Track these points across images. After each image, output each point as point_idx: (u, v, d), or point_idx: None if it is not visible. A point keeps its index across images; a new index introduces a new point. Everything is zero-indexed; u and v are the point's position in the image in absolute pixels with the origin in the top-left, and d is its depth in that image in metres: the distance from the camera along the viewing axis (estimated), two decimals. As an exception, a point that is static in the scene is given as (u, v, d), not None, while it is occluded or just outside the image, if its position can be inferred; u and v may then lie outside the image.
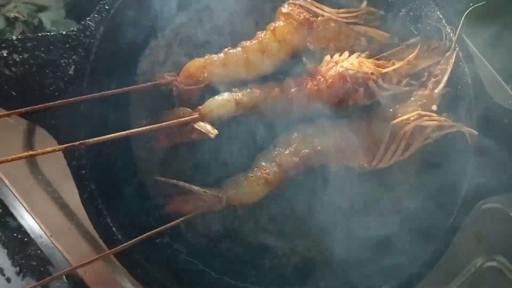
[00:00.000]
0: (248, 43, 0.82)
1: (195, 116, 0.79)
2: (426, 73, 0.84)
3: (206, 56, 0.82)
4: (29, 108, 0.74)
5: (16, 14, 1.10)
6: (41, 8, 1.12)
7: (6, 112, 0.73)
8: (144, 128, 0.79)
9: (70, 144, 0.75)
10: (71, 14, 1.13)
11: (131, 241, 0.73)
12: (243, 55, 0.81)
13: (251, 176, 0.80)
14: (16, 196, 0.94)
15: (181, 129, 0.82)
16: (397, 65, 0.82)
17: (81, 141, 0.75)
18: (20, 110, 0.74)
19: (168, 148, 0.86)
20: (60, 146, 0.75)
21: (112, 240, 0.77)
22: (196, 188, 0.79)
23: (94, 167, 0.79)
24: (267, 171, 0.80)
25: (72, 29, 0.79)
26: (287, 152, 0.81)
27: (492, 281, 0.97)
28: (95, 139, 0.75)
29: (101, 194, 0.77)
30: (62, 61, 0.78)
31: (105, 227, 0.77)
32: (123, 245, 0.73)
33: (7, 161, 0.73)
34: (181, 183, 0.79)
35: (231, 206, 0.80)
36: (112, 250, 0.73)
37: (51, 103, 0.75)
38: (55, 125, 0.77)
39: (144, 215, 0.84)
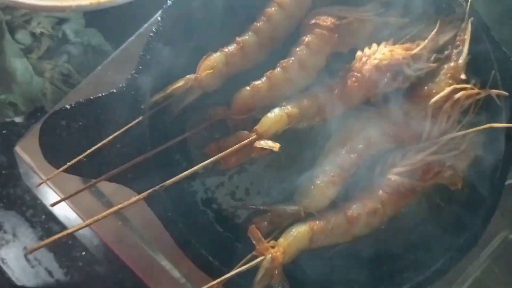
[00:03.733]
0: (286, 62, 0.86)
1: (254, 136, 0.85)
2: (449, 47, 0.91)
3: (251, 84, 0.86)
4: (111, 173, 0.78)
5: (42, 30, 1.14)
6: (62, 21, 1.17)
7: (95, 181, 0.78)
8: (212, 159, 0.84)
9: (152, 189, 0.80)
10: (90, 23, 1.19)
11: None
12: (285, 75, 0.86)
13: (319, 183, 0.85)
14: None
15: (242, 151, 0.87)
16: (422, 44, 0.88)
17: (161, 185, 0.80)
18: (105, 176, 0.78)
19: (233, 171, 0.91)
20: (143, 194, 0.80)
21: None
22: (276, 207, 0.84)
23: (174, 207, 0.84)
24: (332, 174, 0.86)
25: (120, 85, 0.82)
26: (343, 151, 0.87)
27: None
28: (172, 179, 0.81)
29: (189, 230, 0.83)
30: (120, 118, 0.82)
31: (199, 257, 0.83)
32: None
33: (98, 219, 0.79)
34: (261, 207, 0.85)
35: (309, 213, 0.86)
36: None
37: (130, 162, 0.79)
38: (131, 178, 0.81)
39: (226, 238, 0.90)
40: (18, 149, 0.97)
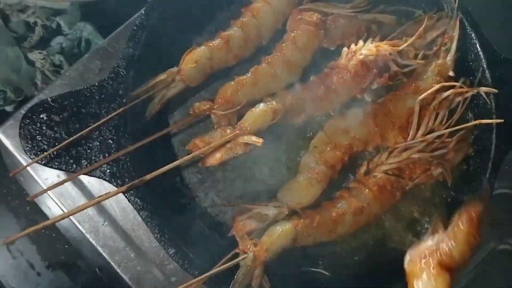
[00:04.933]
0: (272, 57, 0.86)
1: (237, 132, 0.83)
2: (437, 44, 0.90)
3: (236, 79, 0.85)
4: (92, 167, 0.77)
5: (36, 19, 1.14)
6: (58, 12, 1.17)
7: (74, 175, 0.77)
8: (193, 154, 0.83)
9: (131, 183, 0.79)
10: (86, 17, 1.20)
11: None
12: (270, 70, 0.85)
13: (303, 180, 0.84)
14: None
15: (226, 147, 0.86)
16: (409, 41, 0.87)
17: (140, 179, 0.79)
18: (85, 169, 0.77)
19: (216, 167, 0.89)
20: (122, 188, 0.79)
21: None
22: (258, 205, 0.83)
23: (155, 202, 0.82)
24: (316, 171, 0.84)
25: (103, 78, 0.82)
26: (328, 149, 0.85)
27: (505, 263, 1.00)
28: (151, 174, 0.79)
29: (171, 228, 0.81)
30: (102, 111, 0.81)
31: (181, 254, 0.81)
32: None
33: (78, 211, 0.78)
34: (242, 205, 0.83)
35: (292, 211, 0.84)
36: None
37: (110, 157, 0.78)
38: (111, 173, 0.80)
39: (210, 235, 0.88)
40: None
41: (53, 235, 0.97)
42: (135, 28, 0.82)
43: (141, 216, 0.81)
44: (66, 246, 0.96)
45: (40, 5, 1.18)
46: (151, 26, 0.83)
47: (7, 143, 0.95)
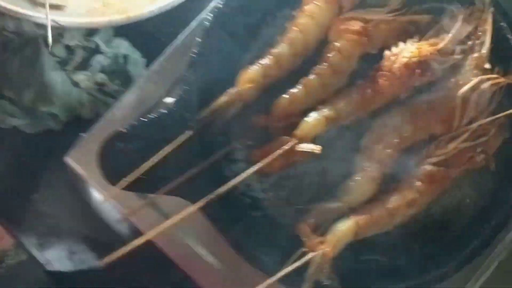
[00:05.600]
0: (320, 68, 0.91)
1: (295, 141, 0.90)
2: (472, 38, 0.95)
3: (289, 92, 0.90)
4: (169, 186, 0.85)
5: (76, 42, 1.18)
6: (93, 32, 1.20)
7: (155, 195, 0.85)
8: (258, 164, 0.90)
9: (208, 198, 0.86)
10: (118, 32, 1.24)
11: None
12: (320, 81, 0.90)
13: (360, 179, 0.91)
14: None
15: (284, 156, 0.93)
16: (447, 39, 0.92)
17: (215, 193, 0.87)
18: (164, 190, 0.85)
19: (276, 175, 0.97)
20: (200, 202, 0.86)
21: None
22: (320, 205, 0.91)
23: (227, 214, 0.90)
24: (370, 169, 0.91)
25: (170, 102, 0.88)
26: (380, 147, 0.92)
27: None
28: (224, 187, 0.87)
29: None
30: (171, 136, 0.87)
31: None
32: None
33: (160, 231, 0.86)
34: (310, 206, 0.91)
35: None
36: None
37: (185, 175, 0.85)
38: (186, 190, 0.88)
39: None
40: (69, 160, 1.00)
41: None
42: (193, 56, 0.87)
43: (217, 229, 0.89)
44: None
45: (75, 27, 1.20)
46: (210, 50, 0.89)
47: (74, 165, 1.01)
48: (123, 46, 1.24)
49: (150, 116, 0.87)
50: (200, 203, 0.87)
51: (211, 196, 0.87)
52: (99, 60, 1.24)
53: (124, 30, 1.24)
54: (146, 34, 1.23)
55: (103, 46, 1.24)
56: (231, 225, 0.90)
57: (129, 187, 0.87)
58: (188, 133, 0.87)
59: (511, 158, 0.97)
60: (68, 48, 1.22)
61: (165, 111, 0.87)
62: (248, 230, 0.93)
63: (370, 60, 0.96)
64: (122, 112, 1.01)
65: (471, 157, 0.94)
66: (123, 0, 1.15)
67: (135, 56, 1.26)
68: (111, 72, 1.24)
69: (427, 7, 0.98)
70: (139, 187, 0.87)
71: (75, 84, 1.22)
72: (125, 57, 1.25)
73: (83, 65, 1.23)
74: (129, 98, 1.01)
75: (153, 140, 0.87)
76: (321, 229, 0.92)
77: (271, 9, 0.97)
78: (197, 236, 0.97)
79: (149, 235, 0.86)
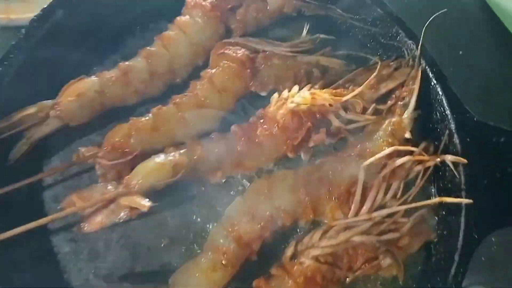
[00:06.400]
0: (181, 97, 0.68)
1: (119, 190, 0.63)
2: (393, 97, 0.72)
3: (131, 120, 0.67)
4: None
5: None
6: None
7: None
8: (57, 214, 0.62)
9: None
10: None
11: None
12: (176, 113, 0.67)
13: (204, 261, 0.62)
14: None
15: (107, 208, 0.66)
16: (356, 90, 0.69)
17: None
18: None
19: (98, 235, 0.68)
20: None
21: None
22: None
23: (4, 273, 0.61)
24: (224, 249, 0.63)
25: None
26: (244, 220, 0.65)
27: None
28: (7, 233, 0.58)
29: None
30: None
31: None
32: None
33: None
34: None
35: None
36: None
37: None
38: None
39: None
40: None
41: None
42: (10, 48, 0.65)
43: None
44: None
45: None
46: (33, 47, 0.66)
47: None
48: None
49: None
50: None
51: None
52: None
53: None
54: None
55: None
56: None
57: None
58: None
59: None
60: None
61: None
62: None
63: (258, 105, 0.72)
64: None
65: (371, 259, 0.65)
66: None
67: None
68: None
69: (344, 53, 0.76)
70: None
71: None
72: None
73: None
74: None
75: None
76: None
77: (142, 20, 0.76)
78: None
79: None
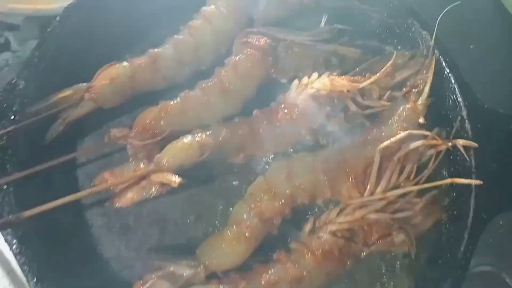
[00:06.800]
0: (207, 83, 0.72)
1: (151, 168, 0.68)
2: (408, 85, 0.76)
3: (161, 103, 0.71)
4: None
5: None
6: (11, 27, 1.07)
7: None
8: (91, 189, 0.67)
9: (4, 219, 0.62)
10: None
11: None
12: (203, 97, 0.71)
13: (229, 234, 0.67)
14: None
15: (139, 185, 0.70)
16: (373, 78, 0.73)
17: (16, 214, 0.63)
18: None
19: (129, 210, 0.73)
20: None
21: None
22: (168, 263, 0.65)
23: (40, 246, 0.66)
24: (247, 223, 0.67)
25: (-1, 89, 0.68)
26: (265, 197, 0.69)
27: None
28: (33, 210, 0.63)
29: (54, 280, 0.63)
30: (-9, 128, 0.67)
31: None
32: None
33: None
34: (151, 260, 0.66)
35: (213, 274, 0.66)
36: None
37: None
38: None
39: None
40: None
41: None
42: (45, 35, 0.69)
43: (17, 261, 0.64)
44: None
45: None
46: (68, 33, 0.71)
47: None
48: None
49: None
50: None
51: (12, 216, 0.63)
52: (5, 57, 1.09)
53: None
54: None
55: (14, 44, 1.10)
56: (41, 264, 0.65)
57: None
58: (9, 127, 0.66)
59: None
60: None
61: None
62: (67, 278, 0.67)
63: (278, 92, 0.76)
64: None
65: (385, 234, 0.69)
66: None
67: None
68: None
69: (361, 43, 0.80)
70: None
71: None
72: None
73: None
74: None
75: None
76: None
77: (170, 9, 0.80)
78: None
79: None
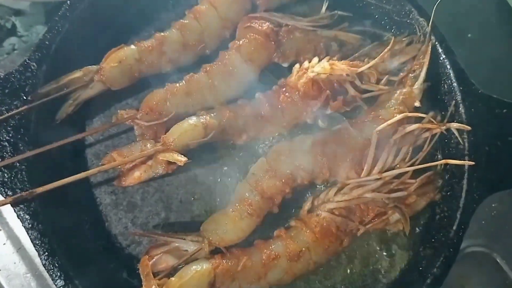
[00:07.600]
0: (211, 66, 0.75)
1: (158, 147, 0.71)
2: (405, 69, 0.78)
3: (166, 86, 0.74)
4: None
5: None
6: (17, 12, 1.09)
7: None
8: (100, 167, 0.70)
9: (18, 195, 0.65)
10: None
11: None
12: (207, 80, 0.74)
13: (232, 211, 0.70)
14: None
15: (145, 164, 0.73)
16: (371, 62, 0.75)
17: (30, 191, 0.66)
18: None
19: (135, 188, 0.76)
20: (8, 199, 0.66)
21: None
22: (173, 238, 0.69)
23: (51, 221, 0.69)
24: (249, 201, 0.70)
25: (11, 70, 0.71)
26: (267, 177, 0.72)
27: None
28: (45, 186, 0.66)
29: (64, 254, 0.67)
30: (3, 108, 0.69)
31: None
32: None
33: None
34: (156, 236, 0.69)
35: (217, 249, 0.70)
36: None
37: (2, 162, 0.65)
38: (1, 181, 0.67)
39: (116, 271, 0.73)
40: None
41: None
42: (56, 18, 0.71)
43: (29, 236, 0.67)
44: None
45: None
46: (78, 17, 0.73)
47: None
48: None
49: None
50: (10, 199, 0.66)
51: (25, 193, 0.66)
52: (12, 42, 1.11)
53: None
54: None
55: (20, 29, 1.12)
56: (52, 238, 0.68)
57: None
58: (22, 107, 0.68)
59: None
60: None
61: (1, 76, 0.69)
62: (75, 251, 0.70)
63: (280, 75, 0.79)
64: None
65: (381, 214, 0.72)
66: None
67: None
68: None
69: (360, 29, 0.82)
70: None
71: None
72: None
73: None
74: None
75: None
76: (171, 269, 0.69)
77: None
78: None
79: None
